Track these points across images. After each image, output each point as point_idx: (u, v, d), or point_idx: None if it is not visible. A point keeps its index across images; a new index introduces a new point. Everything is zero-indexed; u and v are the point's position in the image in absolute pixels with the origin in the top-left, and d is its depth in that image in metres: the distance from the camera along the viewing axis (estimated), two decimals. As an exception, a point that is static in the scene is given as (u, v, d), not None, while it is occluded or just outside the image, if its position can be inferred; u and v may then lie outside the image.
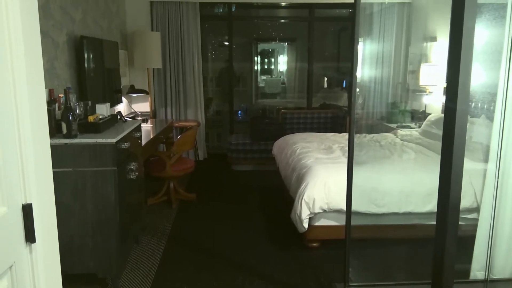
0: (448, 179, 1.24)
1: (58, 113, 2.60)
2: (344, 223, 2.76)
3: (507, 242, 2.38)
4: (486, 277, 2.36)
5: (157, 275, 2.93)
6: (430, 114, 4.84)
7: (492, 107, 3.23)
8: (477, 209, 2.78)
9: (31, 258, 1.14)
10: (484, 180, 2.51)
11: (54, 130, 2.53)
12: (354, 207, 2.58)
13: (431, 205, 3.10)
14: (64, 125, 2.51)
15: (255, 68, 8.93)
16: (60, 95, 2.70)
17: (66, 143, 2.54)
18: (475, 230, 2.54)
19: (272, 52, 9.32)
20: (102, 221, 2.65)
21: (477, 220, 2.58)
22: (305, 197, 3.08)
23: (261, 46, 9.16)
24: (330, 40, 8.28)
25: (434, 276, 1.36)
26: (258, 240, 3.50)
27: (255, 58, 8.93)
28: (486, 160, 2.50)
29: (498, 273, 2.48)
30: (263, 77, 9.28)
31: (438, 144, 4.17)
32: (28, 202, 1.10)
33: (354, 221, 2.56)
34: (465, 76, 1.17)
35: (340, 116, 5.97)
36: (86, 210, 2.62)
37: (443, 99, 4.89)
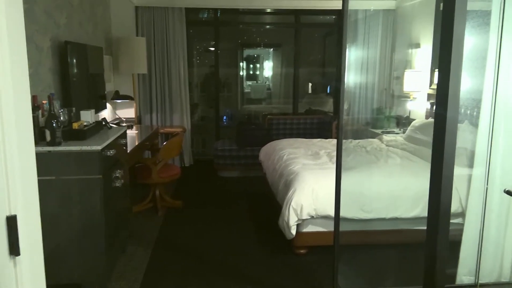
0: (439, 185, 1.25)
1: (41, 120, 2.54)
2: (331, 229, 2.76)
3: (493, 247, 2.41)
4: (477, 282, 2.38)
5: (143, 283, 2.88)
6: (414, 119, 4.90)
7: (475, 113, 3.28)
8: (462, 214, 2.81)
9: (16, 271, 1.10)
10: (469, 185, 2.54)
11: (38, 137, 2.47)
12: (342, 213, 2.58)
13: (418, 210, 3.13)
14: (48, 133, 2.46)
15: (241, 73, 8.93)
16: (43, 101, 2.64)
17: (49, 151, 2.48)
18: (460, 235, 2.56)
19: (257, 58, 9.35)
20: (88, 230, 2.59)
21: (462, 224, 2.61)
22: (292, 203, 3.07)
23: (247, 52, 9.17)
24: (315, 46, 8.34)
25: (426, 281, 1.36)
26: (246, 247, 3.48)
27: (241, 63, 8.94)
28: (470, 165, 2.53)
29: (484, 277, 2.51)
30: (249, 82, 9.28)
31: (423, 150, 4.22)
32: (13, 213, 1.06)
33: (342, 227, 2.56)
34: (455, 83, 1.18)
35: (326, 122, 6.00)
36: (71, 219, 2.56)
37: (426, 104, 4.97)
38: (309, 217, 3.09)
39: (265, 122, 6.15)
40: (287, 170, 3.54)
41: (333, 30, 6.73)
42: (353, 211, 3.11)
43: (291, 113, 6.72)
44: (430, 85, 4.92)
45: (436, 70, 4.97)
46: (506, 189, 1.35)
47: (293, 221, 3.07)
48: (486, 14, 2.26)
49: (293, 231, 3.10)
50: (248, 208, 4.44)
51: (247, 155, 5.52)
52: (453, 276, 2.55)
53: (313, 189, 3.10)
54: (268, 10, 6.43)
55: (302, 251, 3.26)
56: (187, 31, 5.83)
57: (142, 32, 5.60)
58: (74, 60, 3.45)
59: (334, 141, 4.73)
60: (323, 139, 4.88)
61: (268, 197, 4.26)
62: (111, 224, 2.81)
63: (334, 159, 3.73)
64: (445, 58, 1.17)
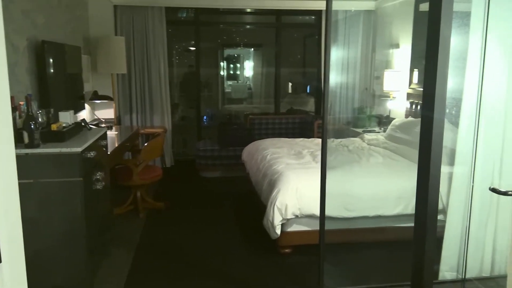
0: (426, 184, 1.26)
1: (19, 121, 2.47)
2: (316, 228, 2.78)
3: (474, 243, 2.46)
4: (464, 277, 2.43)
5: (126, 287, 2.82)
6: (394, 118, 4.98)
7: (454, 112, 3.35)
8: (442, 211, 2.87)
9: (-3, 279, 1.06)
10: (450, 182, 2.59)
11: (15, 139, 2.39)
12: (326, 212, 2.59)
13: (400, 207, 3.18)
14: (26, 134, 2.39)
15: (221, 73, 8.90)
16: (20, 102, 2.56)
17: (26, 153, 2.41)
18: (442, 232, 2.61)
19: (238, 58, 9.32)
20: (69, 234, 2.53)
21: (443, 221, 2.65)
22: (277, 203, 3.07)
23: (227, 52, 9.14)
24: (295, 47, 8.38)
25: (414, 279, 1.38)
26: (230, 248, 3.46)
27: (221, 63, 8.90)
28: (449, 163, 2.58)
29: (466, 272, 2.56)
30: (230, 82, 9.25)
31: (404, 148, 4.26)
32: (-6, 220, 1.02)
33: (326, 226, 2.58)
34: (441, 85, 1.19)
35: (307, 121, 6.03)
36: (51, 223, 2.49)
37: (406, 104, 5.05)
38: (294, 217, 3.10)
39: (247, 122, 6.14)
40: (271, 170, 3.54)
41: (314, 31, 6.76)
42: (337, 210, 3.13)
43: (273, 112, 6.73)
44: (409, 84, 5.01)
45: (415, 70, 5.07)
46: (492, 187, 1.38)
47: (277, 220, 3.07)
48: (466, 15, 2.30)
49: (278, 231, 3.10)
50: (231, 208, 4.42)
51: (229, 155, 5.50)
52: (436, 273, 2.60)
53: (297, 188, 3.10)
54: (249, 10, 6.42)
55: (287, 250, 3.26)
56: (166, 30, 5.76)
57: (121, 32, 5.51)
58: (52, 60, 3.36)
59: (317, 140, 4.75)
60: (306, 139, 4.90)
61: (252, 197, 4.25)
62: (92, 227, 2.75)
63: (317, 158, 3.76)
64: (431, 60, 1.19)
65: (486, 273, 2.53)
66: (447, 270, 2.56)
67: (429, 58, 1.19)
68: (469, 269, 2.50)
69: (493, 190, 1.40)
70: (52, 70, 3.38)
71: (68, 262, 2.56)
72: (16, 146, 2.38)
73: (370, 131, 5.10)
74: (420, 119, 4.37)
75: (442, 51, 1.15)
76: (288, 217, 3.08)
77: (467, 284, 2.44)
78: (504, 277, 2.44)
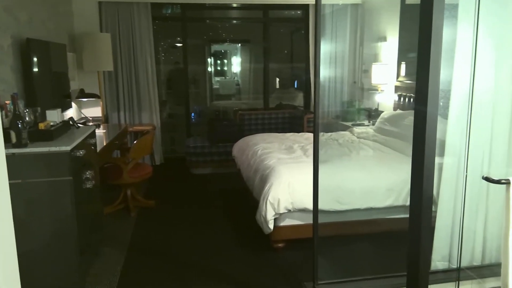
0: (421, 178, 1.27)
1: (5, 121, 2.42)
2: (308, 222, 2.79)
3: (465, 233, 2.49)
4: (459, 266, 2.46)
5: (119, 287, 2.80)
6: (383, 111, 5.01)
7: (442, 103, 3.38)
8: (433, 202, 2.89)
9: (-10, 282, 1.04)
10: (440, 173, 2.61)
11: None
12: (318, 206, 2.60)
13: (391, 199, 3.21)
14: (13, 134, 2.34)
15: (209, 69, 8.84)
16: (6, 101, 2.51)
17: (14, 153, 2.36)
18: (433, 222, 2.63)
19: (225, 54, 9.27)
20: (60, 235, 2.50)
21: (434, 212, 2.67)
22: (269, 198, 3.07)
23: (214, 48, 9.08)
24: (282, 41, 8.37)
25: (410, 269, 1.39)
26: (223, 244, 3.45)
27: (208, 59, 8.85)
28: (439, 154, 2.60)
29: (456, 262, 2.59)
30: (217, 78, 9.20)
31: (393, 141, 4.29)
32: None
33: (319, 219, 2.58)
34: (434, 79, 1.20)
35: (297, 116, 6.04)
36: (41, 224, 2.45)
37: (394, 96, 5.09)
38: (286, 211, 3.10)
39: (237, 118, 6.12)
40: (262, 165, 3.53)
41: (301, 25, 6.76)
42: (329, 203, 3.14)
43: (262, 108, 6.72)
44: (397, 77, 5.04)
45: (403, 63, 5.08)
46: (485, 176, 1.39)
47: (270, 215, 3.07)
48: (453, 7, 2.31)
49: (271, 226, 3.10)
50: (223, 204, 4.41)
51: (220, 151, 5.48)
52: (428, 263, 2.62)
53: (289, 183, 3.11)
54: (235, 5, 6.38)
55: (280, 245, 3.26)
56: (152, 27, 5.69)
57: (106, 28, 5.43)
58: (37, 58, 3.30)
59: (307, 135, 4.76)
60: (296, 133, 4.91)
61: (243, 193, 4.25)
62: (83, 227, 2.72)
63: (308, 152, 3.77)
64: (424, 54, 1.19)
65: (477, 262, 2.56)
66: (439, 260, 2.59)
67: (422, 52, 1.19)
68: (460, 258, 2.53)
69: (486, 179, 1.41)
70: (37, 68, 3.32)
71: (59, 263, 2.53)
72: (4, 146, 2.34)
73: (359, 125, 5.13)
74: (408, 111, 4.42)
75: (435, 42, 1.16)
76: (281, 211, 3.08)
77: (459, 273, 2.47)
78: (495, 266, 2.48)
